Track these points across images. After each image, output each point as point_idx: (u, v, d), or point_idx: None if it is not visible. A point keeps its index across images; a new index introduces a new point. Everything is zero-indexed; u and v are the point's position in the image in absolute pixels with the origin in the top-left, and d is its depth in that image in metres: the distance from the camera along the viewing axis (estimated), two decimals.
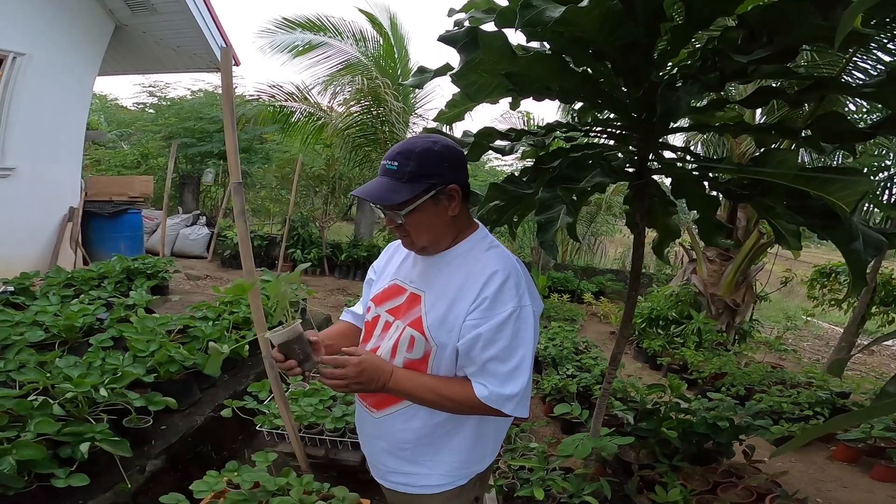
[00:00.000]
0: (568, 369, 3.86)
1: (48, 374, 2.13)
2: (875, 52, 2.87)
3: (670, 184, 1.89)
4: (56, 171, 5.20)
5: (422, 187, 1.13)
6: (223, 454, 2.54)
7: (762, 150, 1.49)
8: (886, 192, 5.04)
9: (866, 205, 5.14)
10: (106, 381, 2.10)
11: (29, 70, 4.65)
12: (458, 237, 1.24)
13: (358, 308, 1.49)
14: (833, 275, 6.24)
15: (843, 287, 6.06)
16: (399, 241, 1.42)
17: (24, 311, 2.97)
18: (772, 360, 5.61)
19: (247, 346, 3.01)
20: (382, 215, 1.21)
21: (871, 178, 4.92)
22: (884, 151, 4.83)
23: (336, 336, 1.41)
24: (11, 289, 3.41)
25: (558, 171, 1.56)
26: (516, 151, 1.84)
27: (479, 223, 1.30)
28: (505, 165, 11.21)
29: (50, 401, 1.92)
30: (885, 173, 4.96)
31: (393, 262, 1.38)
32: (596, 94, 1.80)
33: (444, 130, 3.43)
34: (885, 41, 2.69)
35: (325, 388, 2.65)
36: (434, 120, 2.25)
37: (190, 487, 1.71)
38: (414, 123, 9.01)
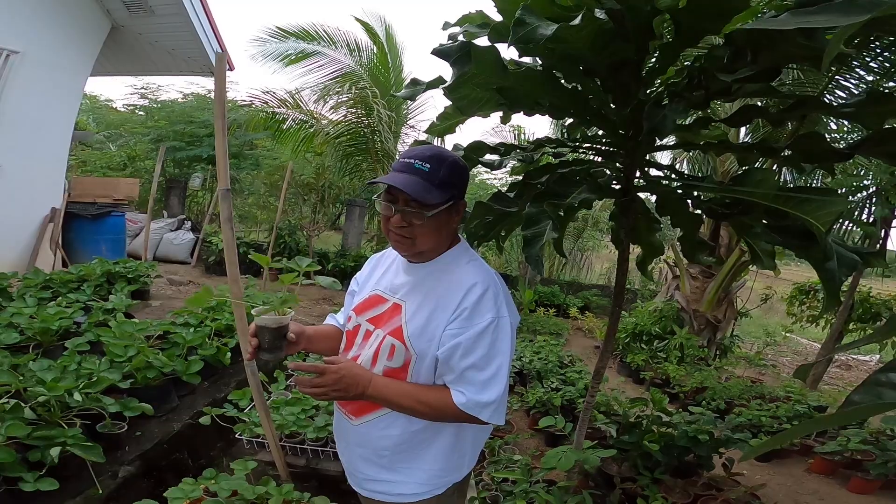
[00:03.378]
0: (552, 382, 3.87)
1: (21, 377, 2.07)
2: (857, 69, 2.92)
3: (655, 201, 1.92)
4: (40, 171, 5.11)
5: (447, 196, 1.16)
6: (200, 462, 2.48)
7: (743, 169, 1.52)
8: (865, 210, 5.17)
9: (845, 223, 5.25)
10: (80, 386, 2.05)
11: (21, 68, 4.58)
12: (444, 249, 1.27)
13: (340, 317, 1.51)
14: (812, 292, 6.37)
15: (822, 304, 6.18)
16: (381, 254, 1.45)
17: None
18: (751, 374, 5.70)
19: (228, 354, 2.97)
20: (382, 210, 1.20)
21: (850, 197, 5.04)
22: (862, 171, 4.96)
23: (324, 336, 1.43)
24: None
25: (546, 186, 1.57)
26: (505, 166, 1.86)
27: (461, 237, 1.34)
28: (495, 179, 11.29)
29: (22, 404, 1.87)
30: (864, 193, 5.09)
31: (375, 274, 1.40)
32: (585, 111, 1.82)
33: (435, 143, 3.45)
34: (868, 60, 2.74)
35: (308, 398, 2.62)
36: (426, 132, 2.27)
37: (165, 494, 1.67)
38: (405, 134, 9.04)
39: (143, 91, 11.26)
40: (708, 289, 5.84)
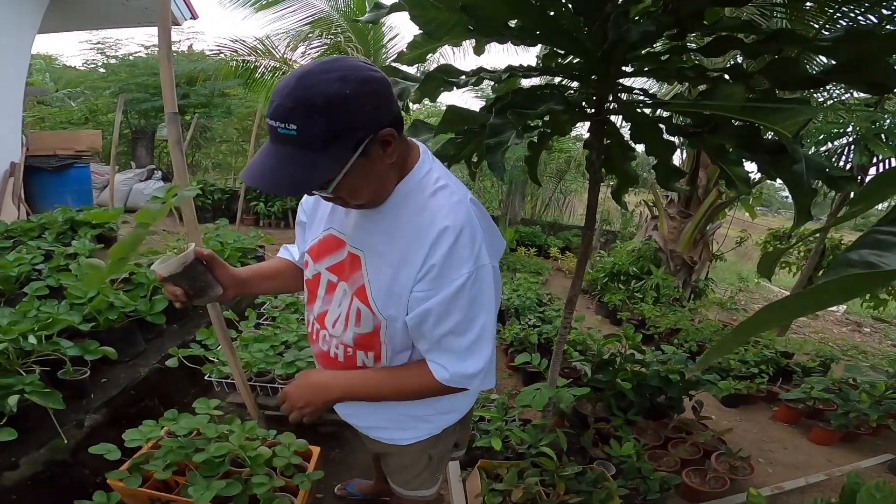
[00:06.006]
0: (530, 320, 3.90)
1: None
2: (840, 21, 2.77)
3: (630, 129, 1.87)
4: None
5: (348, 146, 0.84)
6: (172, 407, 2.46)
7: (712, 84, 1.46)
8: (843, 158, 5.16)
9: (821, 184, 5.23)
10: (35, 329, 1.97)
11: None
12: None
13: (294, 251, 1.33)
14: (785, 238, 6.47)
15: (795, 250, 6.28)
16: None
17: None
18: (724, 318, 5.84)
19: None
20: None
21: (829, 143, 5.00)
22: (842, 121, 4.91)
23: (268, 275, 1.30)
24: None
25: (511, 98, 1.49)
26: (470, 84, 1.77)
27: (421, 153, 1.03)
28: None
29: None
30: (843, 140, 5.06)
31: (323, 204, 1.14)
32: (555, 32, 1.72)
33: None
34: (856, 14, 2.61)
35: (277, 333, 2.59)
36: (395, 61, 2.16)
37: (122, 436, 1.61)
38: None
39: (99, 46, 10.60)
40: (685, 229, 5.90)
